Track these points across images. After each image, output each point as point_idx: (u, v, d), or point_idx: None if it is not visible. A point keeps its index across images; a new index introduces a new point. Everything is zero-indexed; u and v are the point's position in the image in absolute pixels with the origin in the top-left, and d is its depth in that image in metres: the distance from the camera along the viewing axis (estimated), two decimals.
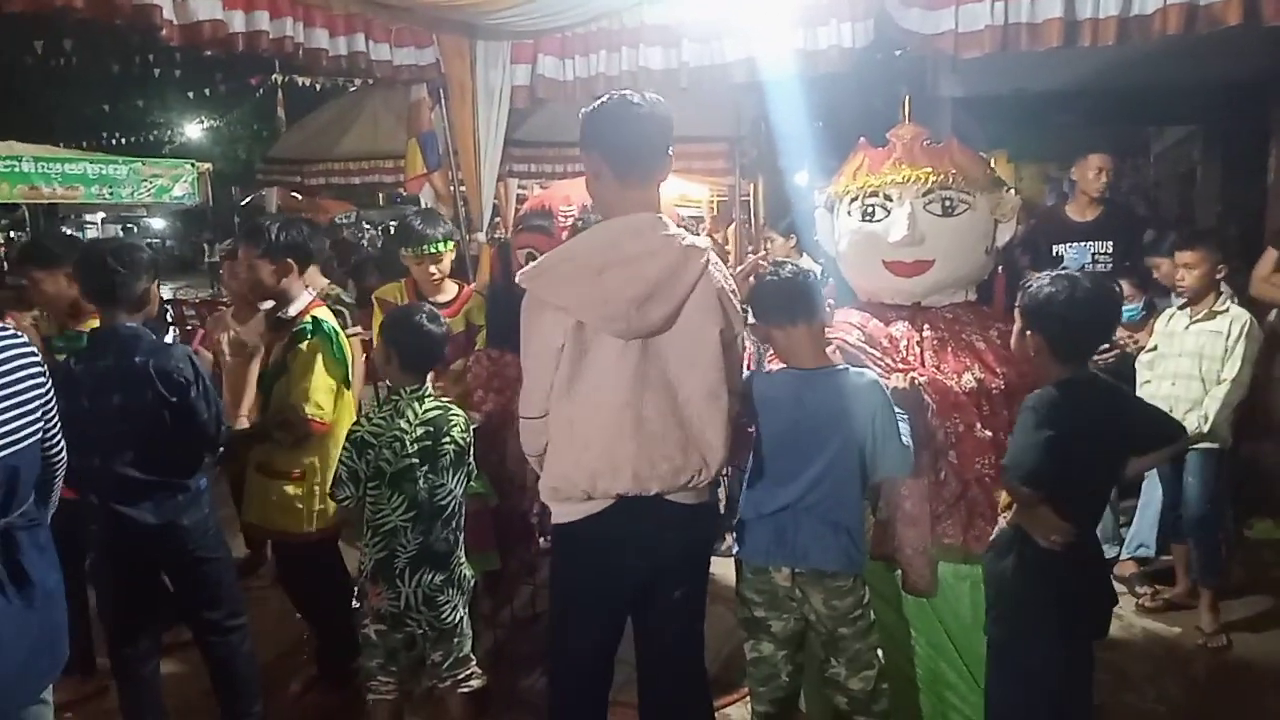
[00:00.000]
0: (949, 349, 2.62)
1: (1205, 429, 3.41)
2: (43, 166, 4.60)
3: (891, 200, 2.68)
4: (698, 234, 3.18)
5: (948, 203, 2.65)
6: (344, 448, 2.53)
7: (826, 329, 2.51)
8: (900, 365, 2.59)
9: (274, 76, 11.73)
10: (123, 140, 11.91)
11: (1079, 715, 2.27)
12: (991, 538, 2.37)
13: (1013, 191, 2.78)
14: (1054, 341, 2.23)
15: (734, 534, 2.50)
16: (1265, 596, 3.71)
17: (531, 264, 2.02)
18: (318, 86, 11.61)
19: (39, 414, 1.88)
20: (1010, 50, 4.25)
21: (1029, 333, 2.27)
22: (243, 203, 11.28)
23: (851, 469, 2.29)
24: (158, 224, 11.74)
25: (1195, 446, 3.44)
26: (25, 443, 1.83)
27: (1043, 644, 2.21)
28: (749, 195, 7.87)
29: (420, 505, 2.49)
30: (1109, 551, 3.90)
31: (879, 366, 2.58)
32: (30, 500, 1.86)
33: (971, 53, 4.27)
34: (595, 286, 1.94)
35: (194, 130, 13.52)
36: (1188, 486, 3.48)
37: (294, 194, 10.79)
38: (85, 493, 2.54)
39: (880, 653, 2.36)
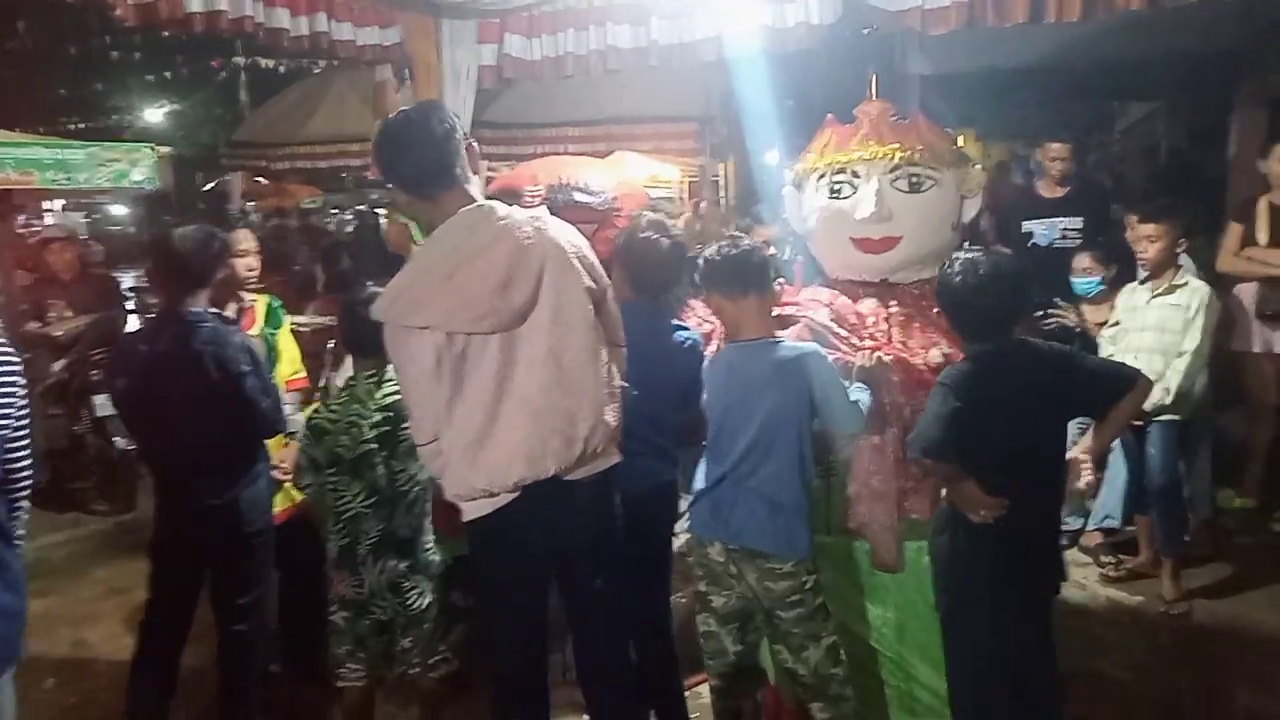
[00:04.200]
0: (916, 325, 2.64)
1: (1168, 401, 3.46)
2: None
3: (859, 177, 2.68)
4: (674, 216, 3.18)
5: (914, 179, 2.66)
6: (303, 434, 2.50)
7: (778, 305, 2.52)
8: (867, 343, 2.60)
9: (236, 59, 11.54)
10: (82, 125, 11.65)
11: (1039, 683, 2.29)
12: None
13: (978, 167, 2.79)
14: (957, 320, 2.31)
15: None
16: (1225, 565, 3.79)
17: (381, 294, 2.01)
18: (281, 68, 11.43)
19: (5, 411, 1.84)
20: (977, 26, 4.28)
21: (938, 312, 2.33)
22: (206, 188, 11.09)
23: (787, 442, 2.30)
24: (119, 210, 11.50)
25: (1157, 419, 3.49)
26: None
27: (985, 616, 2.24)
28: (719, 175, 7.85)
29: (380, 491, 2.47)
30: (1074, 523, 3.96)
31: (846, 344, 2.59)
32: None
33: (938, 29, 4.26)
34: (451, 293, 1.94)
35: (155, 114, 13.24)
36: (1150, 458, 3.53)
37: (259, 178, 10.63)
38: (151, 470, 2.63)
39: (832, 635, 2.36)
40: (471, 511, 2.04)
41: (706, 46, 4.62)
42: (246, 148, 10.12)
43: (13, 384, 1.87)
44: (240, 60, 11.36)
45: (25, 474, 1.98)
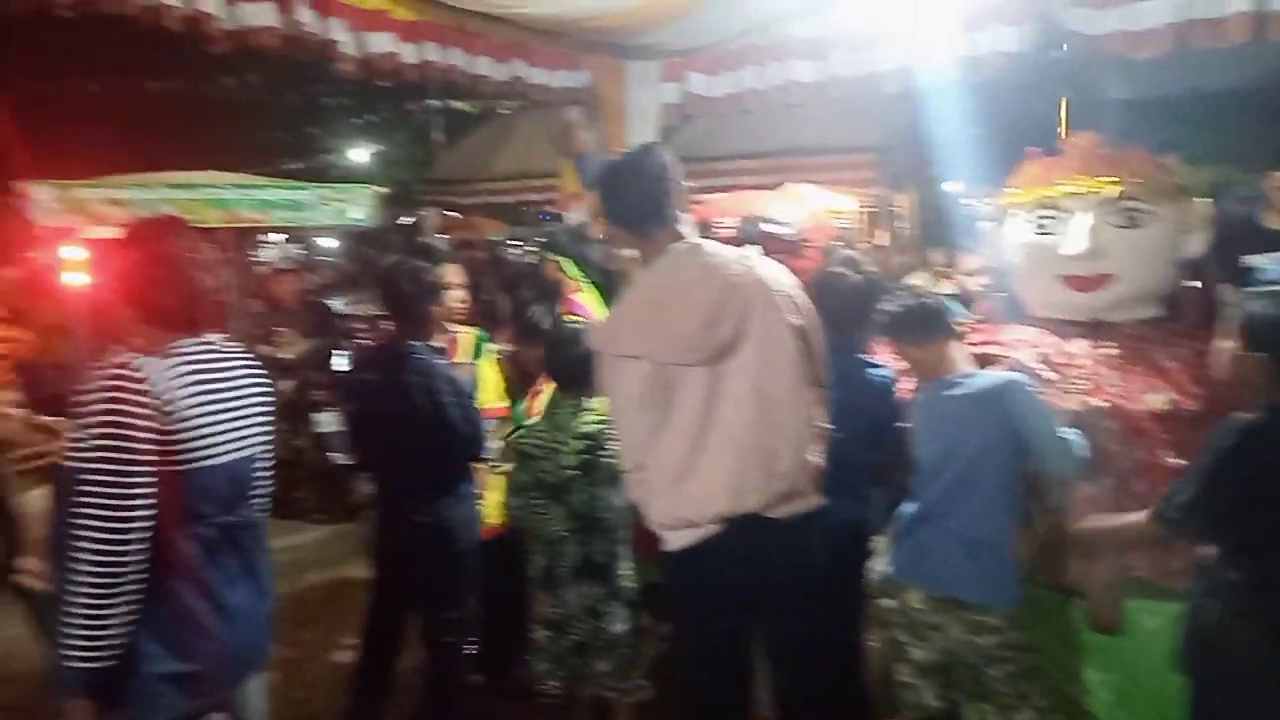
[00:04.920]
0: (1133, 368, 2.50)
1: None
2: (239, 193, 5.06)
3: (1068, 212, 2.58)
4: (853, 245, 3.18)
5: (1130, 213, 2.53)
6: (509, 458, 2.65)
7: (960, 340, 2.46)
8: (1075, 385, 2.49)
9: (431, 101, 12.43)
10: (296, 166, 12.89)
11: None
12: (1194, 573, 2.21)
13: (1203, 201, 2.62)
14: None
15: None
16: None
17: (596, 326, 2.13)
18: (472, 110, 12.20)
19: (263, 425, 2.07)
20: (1186, 49, 4.01)
21: (1247, 353, 2.02)
22: (401, 222, 11.97)
23: (991, 479, 2.22)
24: (327, 243, 12.63)
25: None
26: (249, 450, 2.01)
27: (1255, 696, 2.00)
28: (898, 206, 7.70)
29: (580, 517, 2.58)
30: None
31: (1052, 387, 2.49)
32: (253, 503, 2.05)
33: (1143, 53, 4.06)
34: (661, 325, 2.02)
35: (359, 155, 14.49)
36: None
37: (449, 213, 11.35)
38: (372, 487, 2.85)
39: (1043, 698, 2.23)
40: (673, 541, 2.10)
41: (891, 78, 4.60)
42: (439, 184, 10.85)
43: (270, 400, 2.11)
44: (434, 103, 12.24)
45: (270, 483, 2.21)
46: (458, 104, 11.84)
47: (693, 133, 8.37)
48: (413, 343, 2.74)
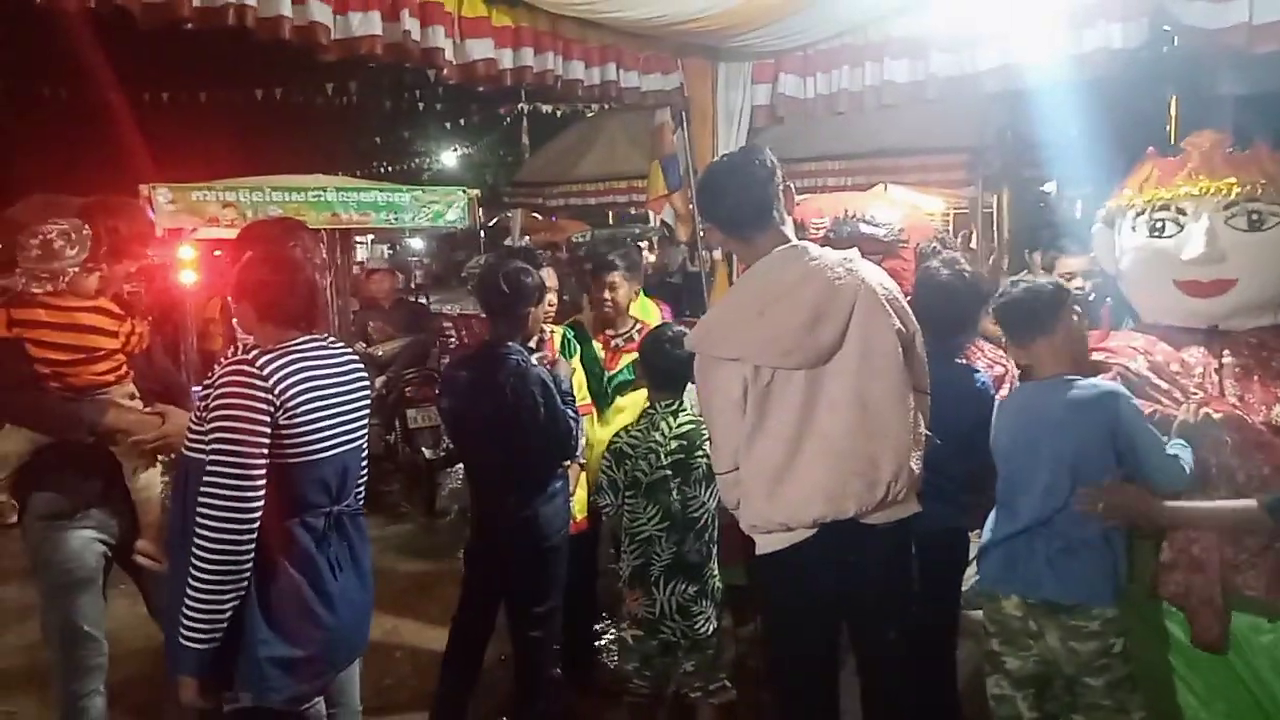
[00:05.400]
0: (1255, 378, 2.37)
1: None
2: (342, 196, 5.24)
3: (1186, 214, 2.47)
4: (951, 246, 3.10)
5: (1255, 216, 2.41)
6: (603, 457, 2.69)
7: (1079, 341, 2.37)
8: (1190, 395, 2.38)
9: (519, 105, 12.65)
10: (390, 169, 13.31)
11: None
12: None
13: None
14: None
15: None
16: None
17: (695, 327, 2.13)
18: (559, 113, 12.37)
19: (365, 419, 2.15)
20: None
21: None
22: (488, 224, 12.21)
23: (1095, 480, 2.15)
24: (417, 244, 13.01)
25: None
26: (355, 443, 2.09)
27: None
28: (991, 207, 7.48)
29: (673, 516, 2.59)
30: None
31: (1167, 396, 2.38)
32: (357, 494, 2.13)
33: (1268, 47, 3.85)
34: (761, 328, 2.01)
35: (450, 158, 14.87)
36: None
37: (535, 214, 11.54)
38: (469, 483, 2.94)
39: (1141, 710, 2.15)
40: (766, 545, 2.09)
41: (991, 78, 4.47)
42: (526, 186, 11.01)
43: (369, 396, 2.18)
44: (523, 106, 12.45)
45: (366, 475, 2.29)
46: (545, 107, 12.00)
47: (780, 133, 8.31)
48: (510, 343, 2.80)
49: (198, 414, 1.94)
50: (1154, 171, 2.60)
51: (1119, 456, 2.16)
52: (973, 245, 6.95)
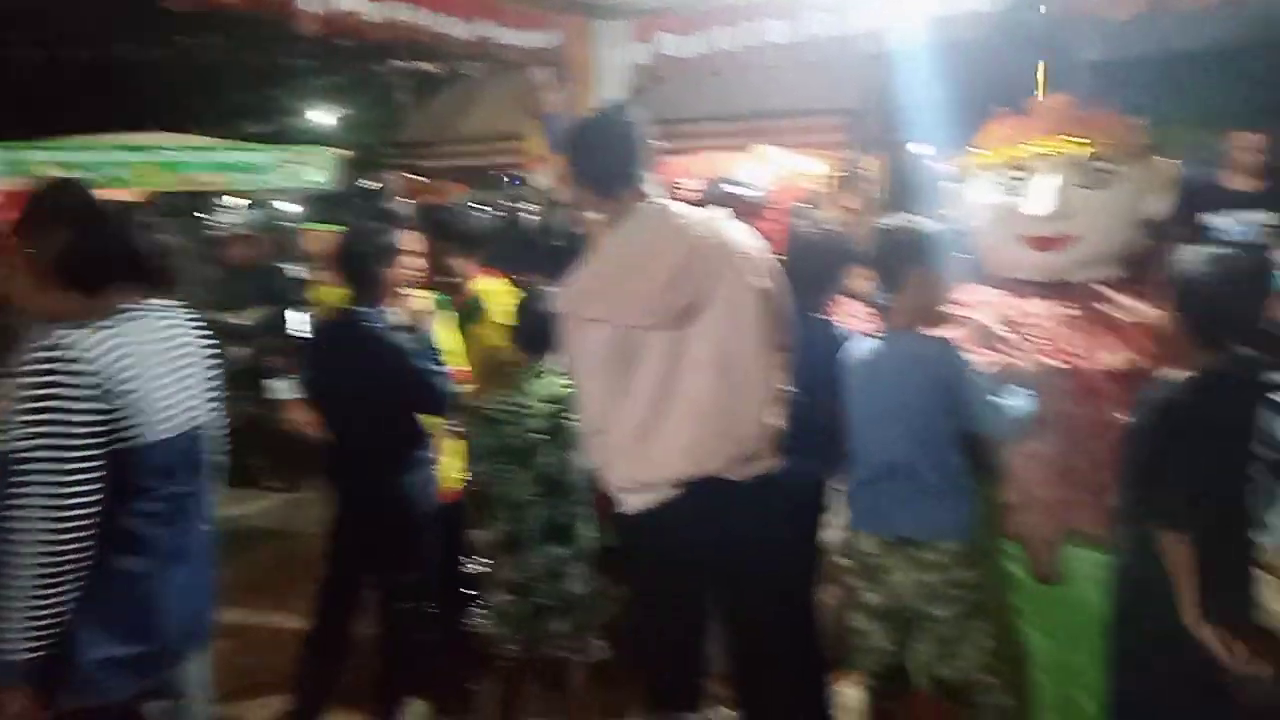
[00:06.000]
0: (1093, 328, 2.49)
1: None
2: (193, 155, 4.92)
3: (1034, 172, 2.56)
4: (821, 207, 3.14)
5: (1097, 174, 2.52)
6: (469, 424, 2.62)
7: (934, 292, 2.40)
8: (1033, 346, 2.49)
9: (396, 63, 12.15)
10: (258, 129, 12.58)
11: None
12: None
13: (1171, 161, 2.62)
14: (1200, 322, 2.00)
15: None
16: None
17: (560, 288, 2.10)
18: (438, 72, 11.95)
19: (211, 393, 2.01)
20: (1166, 9, 3.99)
21: (1170, 312, 2.08)
22: (364, 186, 11.78)
23: (936, 429, 2.26)
24: (287, 207, 12.41)
25: None
26: (198, 420, 1.94)
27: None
28: (870, 170, 7.65)
29: (545, 480, 2.56)
30: None
31: (1012, 347, 2.48)
32: (200, 474, 1.99)
33: (1121, 14, 4.03)
34: (625, 288, 2.00)
35: (323, 117, 14.15)
36: None
37: (415, 177, 11.17)
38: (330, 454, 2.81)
39: (989, 639, 2.28)
40: (630, 504, 2.09)
41: (866, 39, 4.53)
42: (404, 148, 10.63)
43: (218, 366, 2.03)
44: (400, 64, 11.97)
45: (224, 451, 2.15)
46: (423, 65, 11.58)
47: (661, 94, 8.24)
48: (366, 308, 2.68)
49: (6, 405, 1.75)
50: (1006, 131, 2.69)
51: (955, 406, 2.25)
52: (851, 207, 7.10)
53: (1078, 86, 6.69)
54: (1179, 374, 2.02)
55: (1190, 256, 2.04)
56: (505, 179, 11.16)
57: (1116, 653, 2.14)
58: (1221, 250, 2.06)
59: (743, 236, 2.14)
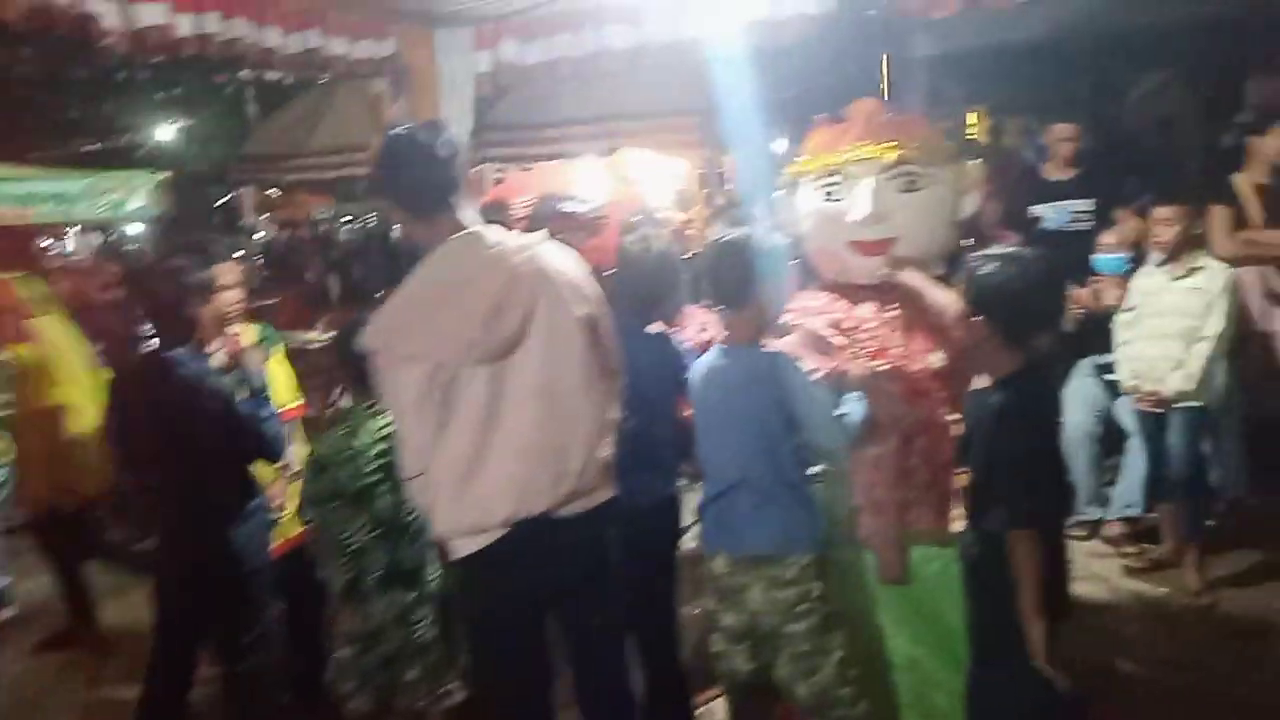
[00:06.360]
0: (916, 328, 2.57)
1: (1190, 387, 3.37)
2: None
3: (852, 178, 2.62)
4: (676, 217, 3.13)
5: (911, 178, 2.59)
6: (303, 471, 2.49)
7: (767, 308, 2.42)
8: (865, 350, 2.54)
9: (241, 73, 11.57)
10: (93, 147, 11.73)
11: None
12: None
13: (976, 162, 2.72)
14: (1007, 327, 2.05)
15: None
16: (1252, 551, 3.68)
17: (369, 322, 1.97)
18: (287, 80, 11.44)
19: None
20: (980, 7, 4.18)
21: (974, 318, 2.10)
22: (218, 204, 11.16)
23: (777, 443, 2.26)
24: (134, 230, 11.50)
25: (1178, 406, 3.40)
26: None
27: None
28: (723, 169, 7.77)
29: (384, 523, 2.45)
30: (1094, 513, 3.88)
31: (843, 352, 2.54)
32: None
33: (940, 12, 4.20)
34: (439, 322, 1.91)
35: (166, 132, 13.29)
36: (1171, 446, 3.44)
37: (270, 191, 10.68)
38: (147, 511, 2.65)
39: (840, 649, 2.30)
40: (459, 549, 2.01)
41: (702, 44, 4.57)
42: (255, 161, 10.14)
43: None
44: (246, 74, 11.41)
45: None
46: (271, 75, 11.07)
47: (520, 98, 8.15)
48: (177, 351, 2.51)
49: None
50: (824, 138, 2.74)
51: (796, 419, 2.27)
52: (705, 209, 7.18)
53: (916, 83, 6.97)
54: (990, 377, 2.09)
55: (984, 263, 2.09)
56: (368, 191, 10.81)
57: (970, 650, 2.19)
58: (1013, 254, 2.12)
59: (563, 262, 2.10)
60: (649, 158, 8.79)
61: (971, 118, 9.45)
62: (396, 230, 9.19)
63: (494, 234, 2.03)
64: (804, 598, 2.27)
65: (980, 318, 2.08)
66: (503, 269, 1.95)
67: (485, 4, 4.91)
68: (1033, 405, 2.03)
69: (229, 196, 11.13)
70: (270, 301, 6.90)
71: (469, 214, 2.07)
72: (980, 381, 2.13)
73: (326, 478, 2.45)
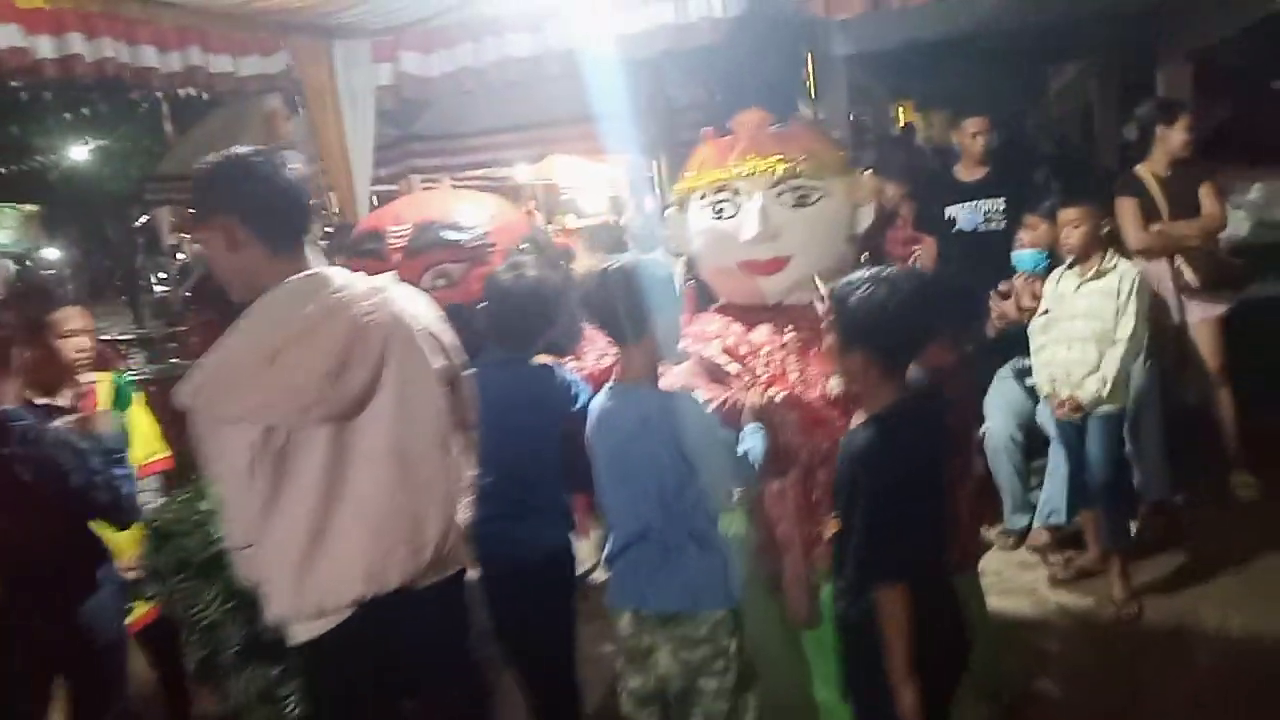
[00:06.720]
0: (813, 352, 2.43)
1: (1105, 392, 3.29)
2: None
3: (741, 194, 2.48)
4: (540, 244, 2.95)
5: (800, 193, 2.46)
6: (142, 541, 2.27)
7: (676, 338, 2.25)
8: (761, 377, 2.39)
9: (155, 90, 11.14)
10: (1, 170, 11.19)
11: None
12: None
13: (867, 173, 2.60)
14: (885, 355, 1.88)
15: None
16: (1177, 554, 3.62)
17: (186, 379, 1.71)
18: (204, 95, 11.05)
19: None
20: (881, 6, 4.11)
21: (847, 353, 1.92)
22: (136, 224, 10.71)
23: (684, 488, 2.04)
24: (53, 254, 11.00)
25: (1096, 412, 3.32)
26: None
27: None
28: (653, 173, 7.62)
29: (239, 594, 2.23)
30: (1019, 521, 3.80)
31: (738, 381, 2.39)
32: None
33: (841, 13, 4.13)
34: (273, 379, 1.66)
35: (80, 153, 12.72)
36: (1090, 453, 3.35)
37: (188, 211, 10.31)
38: None
39: (756, 709, 2.12)
40: (299, 634, 1.80)
41: (604, 49, 4.45)
42: (171, 180, 9.79)
43: None
44: (159, 91, 10.97)
45: None
46: (186, 90, 10.66)
47: (446, 107, 7.93)
48: (9, 407, 2.28)
49: None
50: (711, 153, 2.59)
51: (697, 462, 2.05)
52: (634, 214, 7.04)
53: (835, 80, 6.89)
54: (866, 413, 1.94)
55: (849, 288, 1.90)
56: None
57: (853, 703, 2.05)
58: (879, 274, 1.91)
59: (418, 307, 1.91)
60: (578, 164, 8.63)
61: (901, 110, 9.48)
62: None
63: (339, 276, 1.81)
64: (719, 654, 2.08)
65: (855, 349, 1.91)
66: (348, 315, 1.73)
67: (379, 15, 4.73)
68: (907, 442, 1.84)
69: (145, 218, 10.68)
70: (186, 328, 6.60)
71: (312, 254, 1.87)
72: (858, 418, 1.98)
73: (171, 547, 2.24)
